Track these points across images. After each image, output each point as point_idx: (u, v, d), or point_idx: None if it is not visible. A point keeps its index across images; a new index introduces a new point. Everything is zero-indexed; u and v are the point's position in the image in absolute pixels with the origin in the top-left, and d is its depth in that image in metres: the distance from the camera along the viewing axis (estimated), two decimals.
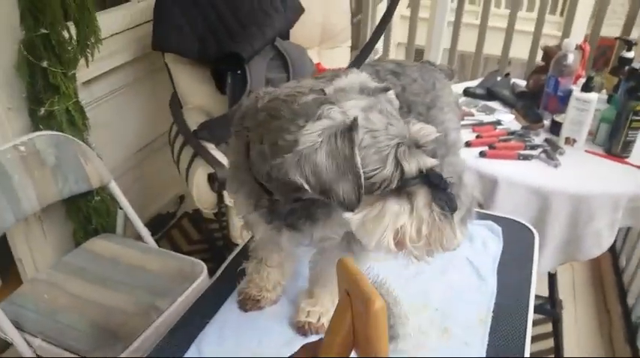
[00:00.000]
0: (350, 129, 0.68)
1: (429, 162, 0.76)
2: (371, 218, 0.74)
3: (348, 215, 0.73)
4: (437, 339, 0.99)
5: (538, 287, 2.09)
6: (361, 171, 0.69)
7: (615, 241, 2.48)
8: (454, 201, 0.77)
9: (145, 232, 1.79)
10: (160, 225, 2.62)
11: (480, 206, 1.61)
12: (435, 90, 1.07)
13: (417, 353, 0.95)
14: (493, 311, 1.06)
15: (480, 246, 1.24)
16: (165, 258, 1.68)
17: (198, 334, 0.98)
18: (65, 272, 1.59)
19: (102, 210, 1.88)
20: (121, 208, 1.77)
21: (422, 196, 0.74)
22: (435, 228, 0.75)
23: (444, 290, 1.11)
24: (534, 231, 1.31)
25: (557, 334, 2.02)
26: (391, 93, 0.79)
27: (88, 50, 1.76)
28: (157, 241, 2.53)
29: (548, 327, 2.11)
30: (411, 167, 0.73)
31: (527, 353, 0.99)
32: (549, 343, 2.08)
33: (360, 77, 0.76)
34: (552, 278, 1.95)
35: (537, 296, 2.24)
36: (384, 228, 0.73)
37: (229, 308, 1.04)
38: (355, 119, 0.68)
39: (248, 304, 1.03)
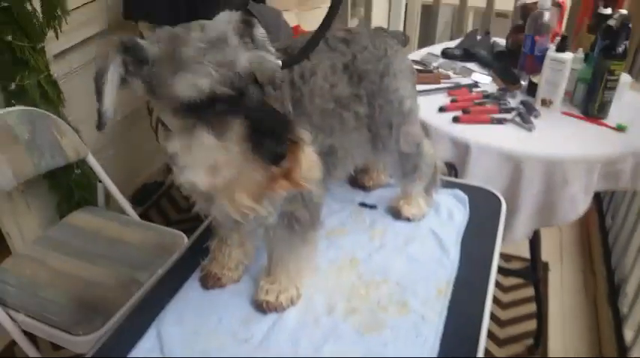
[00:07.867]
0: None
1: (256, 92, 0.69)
2: (182, 147, 0.70)
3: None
4: (395, 314, 1.00)
5: (522, 249, 2.06)
6: (103, 102, 0.72)
7: (602, 200, 2.49)
8: (280, 143, 0.65)
9: (126, 204, 1.81)
10: (147, 196, 2.62)
11: (455, 172, 1.60)
12: (387, 57, 1.04)
13: (373, 331, 0.96)
14: (453, 285, 1.06)
15: (446, 216, 1.25)
16: (146, 230, 1.70)
17: (159, 313, 0.99)
18: (46, 247, 1.62)
19: (83, 183, 1.90)
20: (100, 181, 1.78)
21: (236, 127, 0.65)
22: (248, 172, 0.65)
23: (405, 263, 1.11)
24: (502, 198, 1.31)
25: (538, 297, 1.98)
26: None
27: (55, 22, 1.72)
28: (145, 212, 2.54)
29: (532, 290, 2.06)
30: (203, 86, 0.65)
31: (485, 325, 0.98)
32: (532, 307, 2.04)
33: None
34: (535, 240, 1.87)
35: (521, 259, 2.26)
36: (193, 161, 0.68)
37: (191, 286, 1.06)
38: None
39: (209, 281, 1.04)
